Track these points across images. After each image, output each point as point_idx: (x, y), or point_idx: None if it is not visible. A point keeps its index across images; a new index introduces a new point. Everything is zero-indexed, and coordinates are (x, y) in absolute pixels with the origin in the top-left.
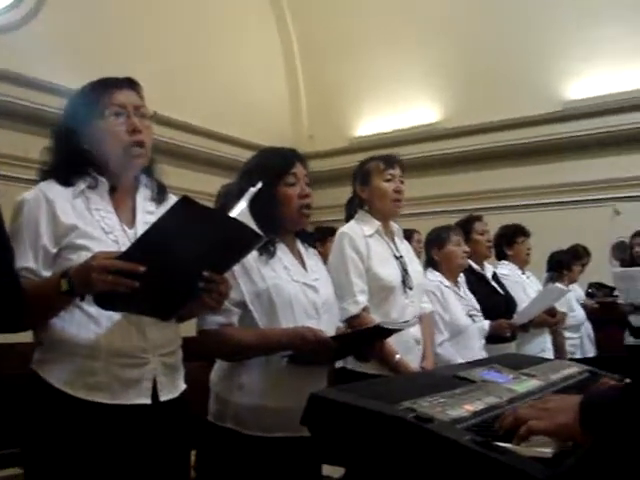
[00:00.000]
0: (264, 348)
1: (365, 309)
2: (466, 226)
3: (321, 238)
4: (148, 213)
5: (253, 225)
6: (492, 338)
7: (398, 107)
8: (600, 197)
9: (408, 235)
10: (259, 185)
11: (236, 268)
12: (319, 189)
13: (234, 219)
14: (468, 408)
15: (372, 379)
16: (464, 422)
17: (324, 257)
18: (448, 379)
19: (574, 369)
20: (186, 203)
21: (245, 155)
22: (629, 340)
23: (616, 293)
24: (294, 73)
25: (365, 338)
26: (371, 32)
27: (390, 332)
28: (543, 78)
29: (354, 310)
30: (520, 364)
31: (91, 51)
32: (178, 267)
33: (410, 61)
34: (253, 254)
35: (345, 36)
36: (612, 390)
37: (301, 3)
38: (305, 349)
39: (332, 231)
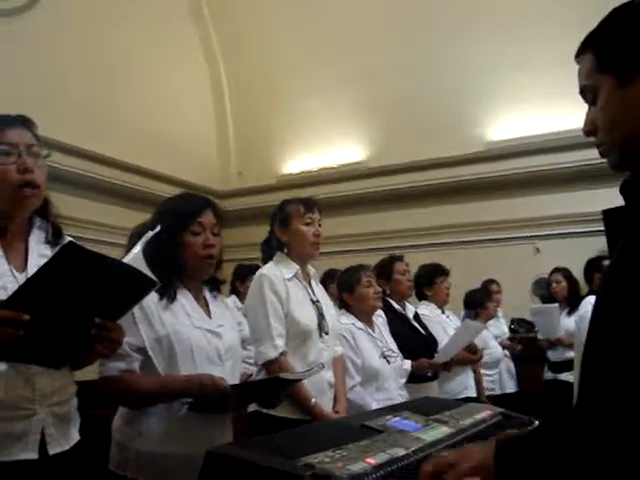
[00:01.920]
0: (165, 395)
1: (283, 353)
2: (387, 266)
3: (241, 277)
4: (42, 257)
5: (146, 270)
6: (414, 378)
7: (324, 146)
8: (521, 235)
9: (332, 275)
10: (157, 229)
11: (136, 313)
12: (246, 226)
13: (124, 264)
14: (370, 462)
15: (277, 433)
16: (364, 477)
17: (243, 296)
18: (355, 429)
19: (486, 412)
20: (72, 249)
21: (173, 191)
22: (548, 375)
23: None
24: (223, 110)
25: (267, 387)
26: (299, 73)
27: (292, 382)
28: (466, 120)
29: (273, 354)
30: (432, 409)
31: (6, 82)
32: (67, 314)
33: (337, 102)
34: (153, 299)
35: (274, 76)
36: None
37: (231, 43)
38: (204, 396)
39: (254, 269)
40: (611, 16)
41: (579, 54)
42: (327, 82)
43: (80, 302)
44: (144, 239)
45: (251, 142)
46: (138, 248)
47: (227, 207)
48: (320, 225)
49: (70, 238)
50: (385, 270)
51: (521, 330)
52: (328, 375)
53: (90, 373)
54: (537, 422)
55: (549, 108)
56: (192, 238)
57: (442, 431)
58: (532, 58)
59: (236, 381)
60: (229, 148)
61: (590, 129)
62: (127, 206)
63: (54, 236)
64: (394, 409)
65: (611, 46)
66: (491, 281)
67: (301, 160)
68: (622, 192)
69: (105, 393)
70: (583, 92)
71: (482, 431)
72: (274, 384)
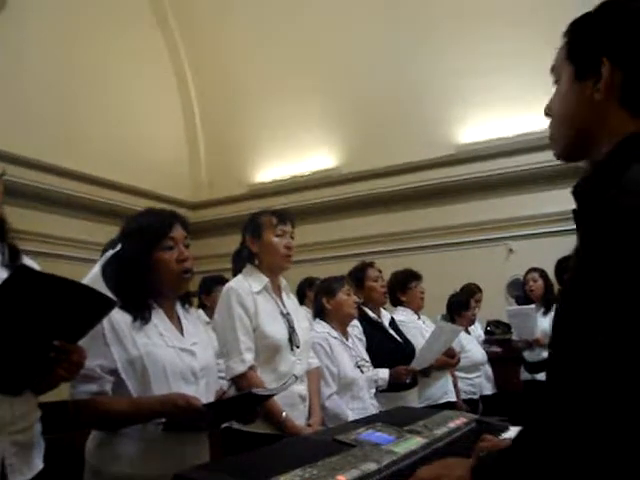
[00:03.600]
0: (138, 416)
1: (252, 367)
2: (359, 274)
3: (206, 289)
4: None
5: (105, 290)
6: (393, 386)
7: (296, 154)
8: (494, 236)
9: (311, 282)
10: (116, 249)
11: (108, 335)
12: (218, 236)
13: (81, 285)
14: (341, 479)
15: (247, 452)
16: None
17: (210, 310)
18: (326, 444)
19: (461, 420)
20: (23, 272)
21: (144, 204)
22: (525, 376)
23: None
24: (192, 120)
25: (241, 403)
26: (268, 81)
27: (266, 397)
28: (436, 123)
29: (241, 369)
30: (406, 419)
31: None
32: (24, 338)
33: (307, 109)
34: (126, 320)
35: (243, 85)
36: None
37: (199, 52)
38: (178, 416)
39: (219, 280)
40: (594, 10)
41: (564, 36)
42: (297, 89)
43: (37, 325)
44: (102, 259)
45: (221, 152)
46: (96, 268)
47: (198, 218)
48: (293, 238)
49: (28, 259)
50: (357, 277)
51: (497, 332)
52: (300, 388)
53: (58, 394)
54: (512, 427)
55: (518, 110)
56: (165, 254)
57: (415, 442)
58: (500, 61)
59: (212, 399)
60: (199, 159)
61: (549, 111)
62: (99, 220)
63: (11, 259)
64: (366, 421)
65: (579, 38)
66: (474, 285)
67: (273, 168)
68: (574, 195)
69: (77, 416)
70: (553, 71)
71: (456, 439)
72: (248, 400)
